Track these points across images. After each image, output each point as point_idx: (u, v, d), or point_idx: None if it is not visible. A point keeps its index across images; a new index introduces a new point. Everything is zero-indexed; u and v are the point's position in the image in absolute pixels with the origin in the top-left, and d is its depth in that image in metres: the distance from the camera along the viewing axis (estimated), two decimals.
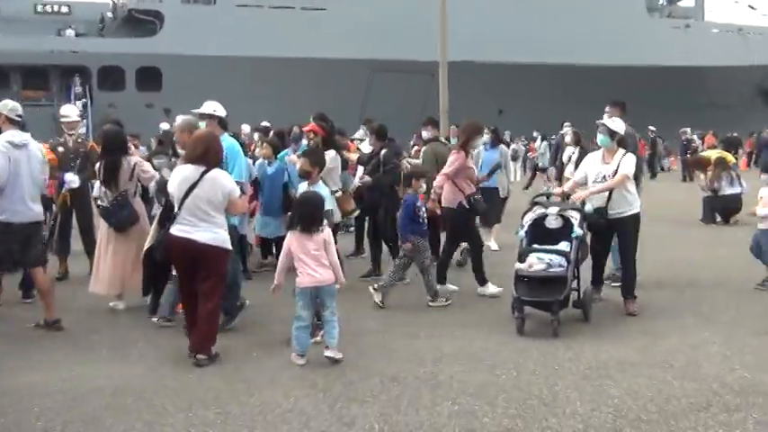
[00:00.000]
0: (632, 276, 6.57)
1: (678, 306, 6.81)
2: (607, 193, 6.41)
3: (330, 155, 7.28)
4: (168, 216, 5.49)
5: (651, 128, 26.28)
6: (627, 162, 6.43)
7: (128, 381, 4.90)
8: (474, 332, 5.93)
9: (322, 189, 6.02)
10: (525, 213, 6.46)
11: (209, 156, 5.32)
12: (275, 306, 6.27)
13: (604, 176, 6.42)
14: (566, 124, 13.13)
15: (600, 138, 6.57)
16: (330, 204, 6.01)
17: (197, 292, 5.30)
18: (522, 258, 6.11)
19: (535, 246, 6.16)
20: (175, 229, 5.31)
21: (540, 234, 6.25)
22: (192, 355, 5.27)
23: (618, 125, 6.54)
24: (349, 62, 33.43)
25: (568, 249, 6.04)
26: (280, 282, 5.33)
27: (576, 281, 6.20)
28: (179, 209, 5.29)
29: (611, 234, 6.56)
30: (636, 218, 6.52)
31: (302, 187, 6.34)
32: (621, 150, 6.52)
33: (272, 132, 9.80)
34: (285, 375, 4.98)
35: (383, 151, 7.90)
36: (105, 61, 31.90)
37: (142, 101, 31.10)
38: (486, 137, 9.40)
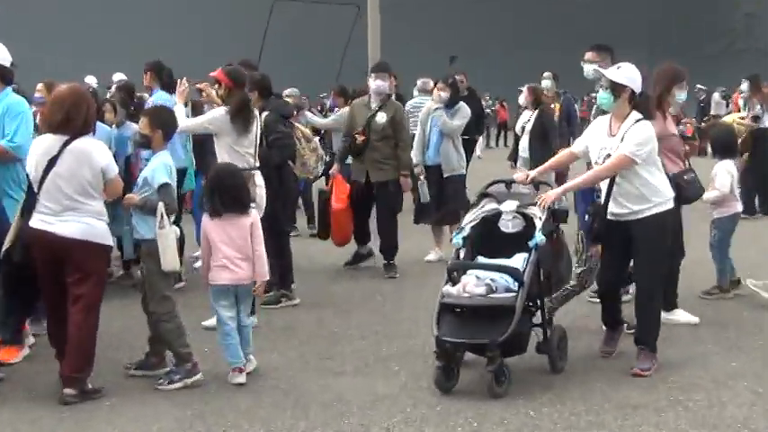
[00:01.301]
0: (651, 313, 6.05)
1: (695, 327, 7.05)
2: (606, 183, 5.99)
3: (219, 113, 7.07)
4: (33, 204, 5.58)
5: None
6: (634, 135, 5.84)
7: None
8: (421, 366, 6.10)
9: (163, 159, 5.89)
10: (468, 210, 6.16)
11: (74, 120, 5.45)
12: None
13: (609, 155, 5.91)
14: (545, 75, 13.35)
15: (600, 96, 6.07)
16: (168, 177, 5.85)
17: (64, 303, 5.50)
18: (452, 277, 5.77)
19: (479, 258, 5.88)
20: (35, 220, 5.46)
21: (488, 241, 5.93)
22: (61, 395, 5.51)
23: (627, 74, 5.95)
24: None
25: (523, 266, 5.68)
26: (206, 276, 5.92)
27: (538, 312, 5.88)
28: (38, 193, 5.44)
29: (627, 247, 6.03)
30: (661, 220, 5.96)
31: (153, 162, 5.99)
32: (636, 116, 5.93)
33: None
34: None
35: (264, 114, 7.65)
36: None
37: None
38: (441, 93, 9.55)
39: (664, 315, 6.52)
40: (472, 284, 5.62)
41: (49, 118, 5.53)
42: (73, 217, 5.43)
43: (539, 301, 5.88)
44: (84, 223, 5.46)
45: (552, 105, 13.12)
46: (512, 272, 5.65)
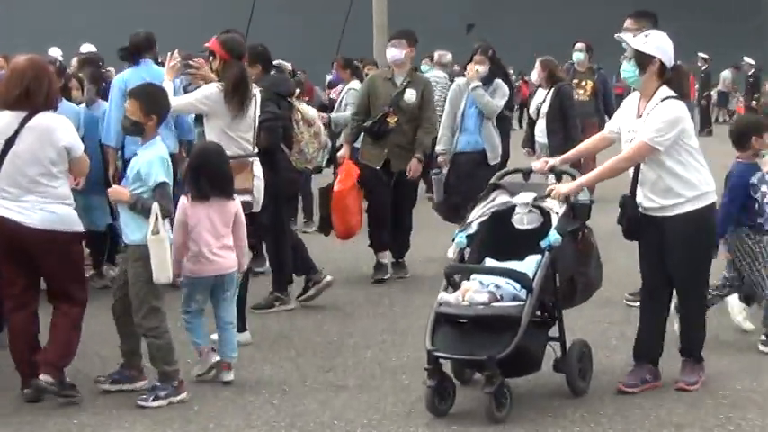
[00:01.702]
0: (692, 320, 5.92)
1: (746, 334, 6.97)
2: (631, 172, 5.84)
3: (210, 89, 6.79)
4: None
5: (702, 55, 26.96)
6: (656, 118, 5.64)
7: None
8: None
9: (158, 151, 5.78)
10: (476, 204, 5.99)
11: (34, 95, 5.47)
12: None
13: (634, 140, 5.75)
14: (577, 47, 13.18)
15: (623, 69, 5.86)
16: (166, 175, 5.75)
17: (30, 300, 5.66)
18: (451, 282, 5.66)
19: (487, 261, 5.75)
20: None
21: (499, 240, 5.80)
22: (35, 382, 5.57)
23: (655, 42, 5.73)
24: None
25: (534, 270, 5.52)
26: (177, 271, 5.86)
27: (555, 325, 5.75)
28: None
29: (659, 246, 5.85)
30: (696, 217, 5.75)
31: (141, 151, 5.86)
32: (665, 92, 5.74)
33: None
34: None
35: (257, 93, 7.25)
36: None
37: None
38: (479, 67, 9.25)
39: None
40: (473, 291, 5.48)
41: (6, 93, 5.51)
42: (36, 204, 5.47)
43: (555, 312, 5.74)
44: (49, 212, 5.50)
45: (584, 83, 13.02)
46: (518, 277, 5.49)
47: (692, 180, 5.75)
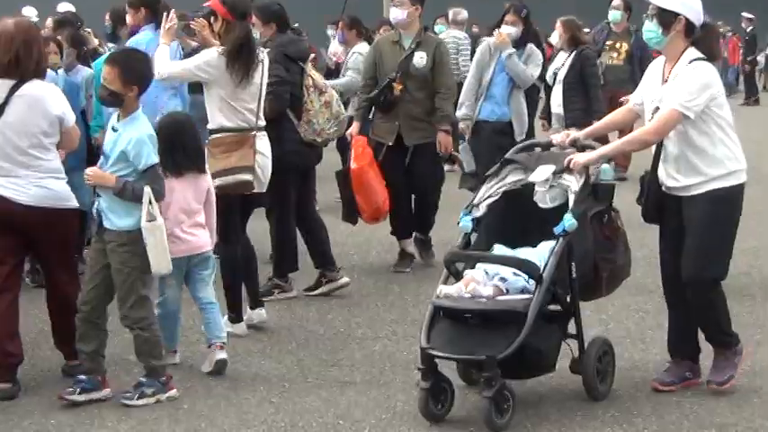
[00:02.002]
0: (706, 310, 5.68)
1: None
2: (654, 147, 5.66)
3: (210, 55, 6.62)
4: None
5: (747, 15, 26.72)
6: (685, 81, 5.46)
7: None
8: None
9: (145, 128, 5.63)
10: (484, 182, 5.84)
11: (24, 61, 5.57)
12: None
13: (658, 109, 5.57)
14: (614, 3, 12.96)
15: (645, 29, 5.73)
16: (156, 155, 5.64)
17: (13, 285, 5.77)
18: (452, 271, 5.54)
19: (496, 248, 5.61)
20: None
21: (510, 224, 5.66)
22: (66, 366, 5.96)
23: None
24: None
25: (545, 259, 5.36)
26: None
27: (570, 321, 5.61)
28: None
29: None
30: (717, 199, 5.53)
31: (123, 126, 5.68)
32: (693, 54, 5.58)
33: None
34: None
35: (264, 58, 7.04)
36: None
37: None
38: (512, 29, 9.06)
39: None
40: (477, 283, 5.37)
41: None
42: (30, 179, 5.58)
43: (570, 306, 5.56)
44: (44, 187, 5.61)
45: (618, 44, 12.84)
46: (526, 267, 5.34)
47: (719, 156, 5.55)
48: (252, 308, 7.01)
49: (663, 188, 5.67)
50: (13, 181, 5.57)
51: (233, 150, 6.56)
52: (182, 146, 6.02)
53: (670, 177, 5.62)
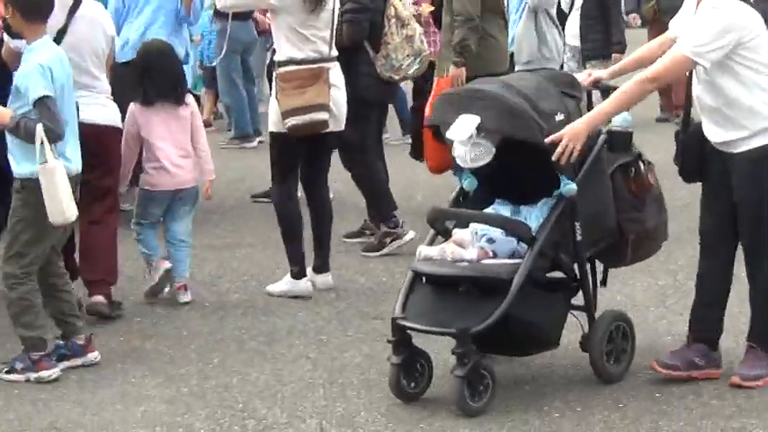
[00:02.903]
0: (762, 296, 5.12)
1: None
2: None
3: None
4: None
5: None
6: (700, 21, 4.89)
7: None
8: None
9: (37, 57, 5.12)
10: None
11: None
12: None
13: None
14: None
15: None
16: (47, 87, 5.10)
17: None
18: (442, 231, 5.05)
19: (495, 205, 5.09)
20: None
21: (513, 176, 5.06)
22: (92, 304, 5.93)
23: None
24: None
25: (539, 220, 4.89)
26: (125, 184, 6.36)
27: (579, 290, 5.09)
28: None
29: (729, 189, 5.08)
30: (765, 157, 4.97)
31: (24, 63, 5.22)
32: None
33: None
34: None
35: None
36: None
37: None
38: None
39: None
40: (465, 242, 4.88)
41: None
42: (92, 98, 5.81)
43: (578, 270, 5.03)
44: (104, 105, 5.96)
45: None
46: (514, 227, 4.85)
47: (757, 107, 4.96)
48: (317, 271, 6.61)
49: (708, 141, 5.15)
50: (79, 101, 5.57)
51: (307, 86, 6.17)
52: (157, 74, 6.12)
53: (710, 130, 5.07)
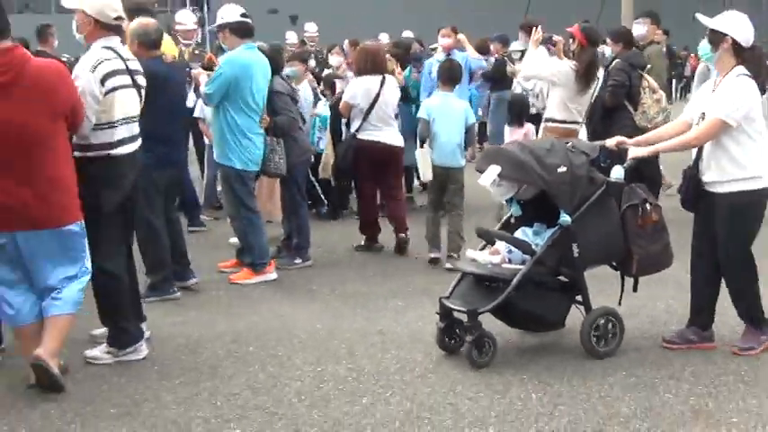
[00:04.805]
0: (736, 285, 6.51)
1: None
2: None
3: None
4: None
5: None
6: (728, 93, 6.19)
7: (249, 327, 7.02)
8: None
9: None
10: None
11: (384, 65, 9.76)
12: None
13: (704, 115, 6.28)
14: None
15: (701, 47, 6.52)
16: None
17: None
18: (489, 241, 6.68)
19: (524, 227, 6.65)
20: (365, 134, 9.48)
21: (538, 207, 6.62)
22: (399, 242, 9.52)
23: (728, 20, 6.26)
24: None
25: (547, 241, 6.34)
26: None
27: (577, 294, 6.50)
28: (367, 116, 9.48)
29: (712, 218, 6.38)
30: (740, 198, 6.28)
31: None
32: (739, 70, 6.25)
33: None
34: (426, 331, 6.82)
35: (600, 76, 9.77)
36: None
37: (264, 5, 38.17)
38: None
39: None
40: (500, 251, 6.48)
41: (361, 66, 9.67)
42: (394, 130, 9.78)
43: (577, 280, 6.48)
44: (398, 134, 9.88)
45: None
46: (519, 245, 6.44)
47: (743, 162, 6.22)
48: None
49: (703, 180, 6.36)
50: (387, 132, 9.52)
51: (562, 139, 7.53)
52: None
53: (706, 173, 6.33)
